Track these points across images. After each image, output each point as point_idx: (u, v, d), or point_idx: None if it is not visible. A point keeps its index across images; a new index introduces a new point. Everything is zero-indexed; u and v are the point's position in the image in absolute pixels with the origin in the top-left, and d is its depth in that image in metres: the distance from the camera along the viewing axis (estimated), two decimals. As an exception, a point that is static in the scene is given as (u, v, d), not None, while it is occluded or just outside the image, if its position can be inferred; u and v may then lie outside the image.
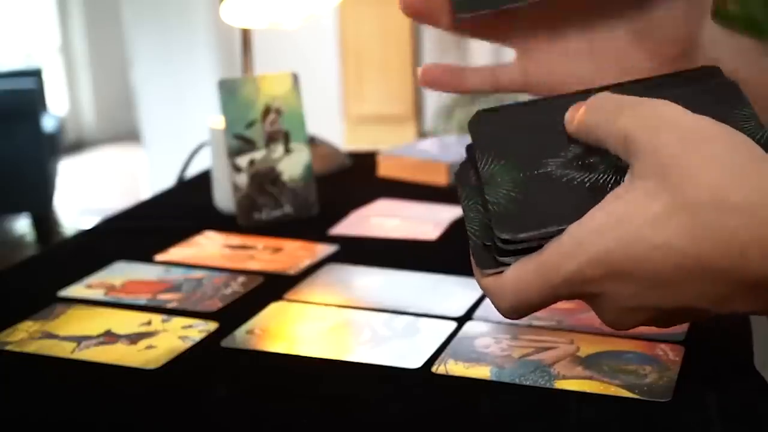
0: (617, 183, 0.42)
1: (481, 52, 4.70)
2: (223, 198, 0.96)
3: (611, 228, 0.39)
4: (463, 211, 0.49)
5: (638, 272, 0.40)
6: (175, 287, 0.74)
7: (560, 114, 0.46)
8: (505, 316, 0.46)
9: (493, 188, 0.46)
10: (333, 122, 3.99)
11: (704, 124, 0.39)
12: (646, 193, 0.39)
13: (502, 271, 0.45)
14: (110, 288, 0.75)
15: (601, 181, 0.43)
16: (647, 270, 0.39)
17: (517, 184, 0.45)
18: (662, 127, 0.39)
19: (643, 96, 0.42)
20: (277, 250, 0.84)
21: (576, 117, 0.44)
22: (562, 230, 0.42)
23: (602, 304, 0.43)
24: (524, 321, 0.64)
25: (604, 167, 0.44)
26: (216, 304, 0.70)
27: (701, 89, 0.45)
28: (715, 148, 0.38)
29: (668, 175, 0.38)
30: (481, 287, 0.46)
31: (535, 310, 0.45)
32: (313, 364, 0.60)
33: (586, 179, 0.44)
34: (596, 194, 0.42)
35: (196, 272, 0.78)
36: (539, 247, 0.43)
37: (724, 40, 0.48)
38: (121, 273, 0.78)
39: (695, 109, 0.41)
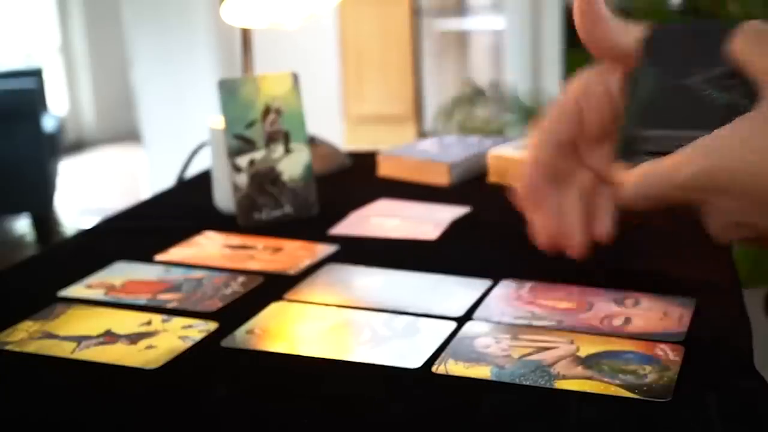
0: (748, 108, 0.46)
1: (482, 54, 4.70)
2: (223, 198, 0.96)
3: (726, 147, 0.44)
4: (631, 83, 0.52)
5: (744, 191, 0.44)
6: (175, 287, 0.74)
7: (722, 36, 0.49)
8: (627, 203, 0.49)
9: (637, 91, 0.50)
10: (333, 122, 3.98)
11: None
12: (765, 122, 0.43)
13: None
14: (110, 288, 0.75)
15: (735, 102, 0.47)
16: (751, 191, 0.43)
17: (661, 91, 0.49)
18: None
19: None
20: (277, 250, 0.84)
21: (737, 45, 0.48)
22: (689, 135, 0.46)
23: (710, 214, 0.46)
24: (524, 321, 0.64)
25: (743, 93, 0.47)
26: (216, 304, 0.70)
27: None
28: None
29: None
30: (613, 178, 0.50)
31: (652, 205, 0.48)
32: (313, 364, 0.60)
33: (723, 100, 0.48)
34: (727, 112, 0.46)
35: (196, 272, 0.78)
36: (665, 152, 0.47)
37: None
38: (121, 273, 0.78)
39: None
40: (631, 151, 0.49)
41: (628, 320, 0.63)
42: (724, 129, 0.44)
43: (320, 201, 0.95)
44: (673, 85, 0.49)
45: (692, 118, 0.48)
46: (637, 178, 0.48)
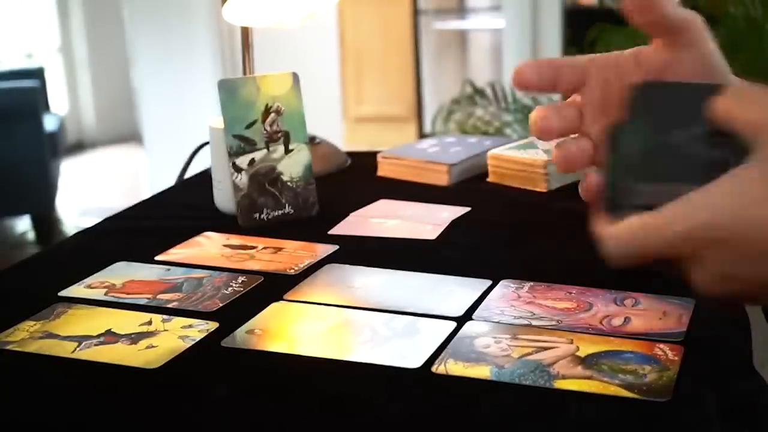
0: (737, 164, 0.46)
1: (481, 54, 4.70)
2: (223, 198, 0.96)
3: (723, 200, 0.44)
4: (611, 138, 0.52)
5: (738, 243, 0.44)
6: (175, 287, 0.75)
7: (703, 95, 0.49)
8: (616, 262, 0.49)
9: (618, 147, 0.50)
10: (333, 122, 3.98)
11: None
12: (761, 173, 0.43)
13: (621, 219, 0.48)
14: (110, 288, 0.75)
15: (722, 158, 0.47)
16: (747, 243, 0.44)
17: (642, 147, 0.49)
18: None
19: None
20: (277, 250, 0.84)
21: (721, 103, 0.48)
22: (677, 190, 0.46)
23: (701, 268, 0.46)
24: (524, 321, 0.64)
25: (729, 149, 0.47)
26: (216, 304, 0.70)
27: None
28: None
29: None
30: (600, 234, 0.49)
31: (641, 261, 0.48)
32: (314, 364, 0.60)
33: (703, 156, 0.48)
34: (715, 168, 0.46)
35: (196, 272, 0.78)
36: (652, 205, 0.47)
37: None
38: (121, 273, 0.78)
39: None
40: (616, 204, 0.49)
41: (627, 320, 0.63)
42: (718, 183, 0.45)
43: (320, 201, 0.95)
44: (659, 141, 0.49)
45: (679, 173, 0.48)
46: (625, 233, 0.47)
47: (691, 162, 0.48)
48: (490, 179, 1.07)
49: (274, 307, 0.70)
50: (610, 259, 0.49)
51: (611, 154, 0.50)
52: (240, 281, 0.75)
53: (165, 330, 0.66)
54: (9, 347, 0.64)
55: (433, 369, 0.58)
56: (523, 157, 1.03)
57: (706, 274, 0.46)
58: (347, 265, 0.79)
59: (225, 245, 0.86)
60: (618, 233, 0.48)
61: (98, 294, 0.73)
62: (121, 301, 0.72)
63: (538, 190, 1.01)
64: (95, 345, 0.64)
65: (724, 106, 0.48)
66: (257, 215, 0.92)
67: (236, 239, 0.87)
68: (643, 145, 0.49)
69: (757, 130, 0.45)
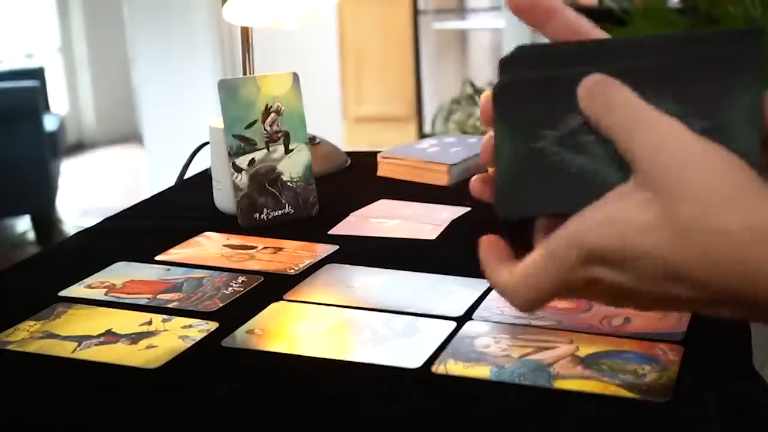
0: (607, 176, 0.45)
1: (481, 54, 4.70)
2: (223, 198, 0.96)
3: (606, 228, 0.43)
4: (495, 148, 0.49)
5: (628, 269, 0.43)
6: (175, 287, 0.75)
7: (582, 70, 0.46)
8: (521, 311, 0.48)
9: (498, 155, 0.47)
10: (333, 122, 3.98)
11: (701, 147, 0.43)
12: (641, 202, 0.43)
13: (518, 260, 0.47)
14: (111, 288, 0.75)
15: (590, 169, 0.45)
16: (635, 269, 0.43)
17: (514, 158, 0.47)
18: (664, 150, 0.43)
19: (660, 62, 0.45)
20: (277, 250, 0.84)
21: (589, 103, 0.46)
22: (559, 204, 0.45)
23: (598, 288, 0.46)
24: (524, 321, 0.64)
25: (596, 154, 0.45)
26: (216, 304, 0.70)
27: (716, 56, 0.45)
28: (707, 171, 0.42)
29: (663, 191, 0.42)
30: (494, 281, 0.48)
31: (547, 302, 0.47)
32: (314, 364, 0.60)
33: (576, 164, 0.45)
34: (586, 182, 0.45)
35: (196, 272, 0.78)
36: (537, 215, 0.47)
37: None
38: (121, 273, 0.78)
39: (702, 81, 0.44)
40: (509, 210, 0.47)
41: (627, 320, 0.63)
42: (598, 212, 0.43)
43: (320, 201, 0.95)
44: (526, 150, 0.46)
45: (550, 188, 0.46)
46: (522, 284, 0.46)
47: (561, 177, 0.45)
48: (490, 179, 1.07)
49: (274, 307, 0.70)
50: (519, 310, 0.48)
51: (495, 155, 0.48)
52: (240, 281, 0.75)
53: (165, 330, 0.66)
54: (9, 347, 0.64)
55: (433, 369, 0.58)
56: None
57: (607, 296, 0.46)
58: (347, 265, 0.79)
59: (225, 245, 0.86)
60: (516, 285, 0.46)
61: (98, 294, 0.73)
62: (121, 301, 0.72)
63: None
64: (95, 345, 0.64)
65: (587, 105, 0.45)
66: (257, 215, 0.92)
67: (236, 239, 0.87)
68: (512, 155, 0.47)
69: (633, 155, 0.43)
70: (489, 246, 0.50)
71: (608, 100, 0.45)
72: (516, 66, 0.48)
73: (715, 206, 0.41)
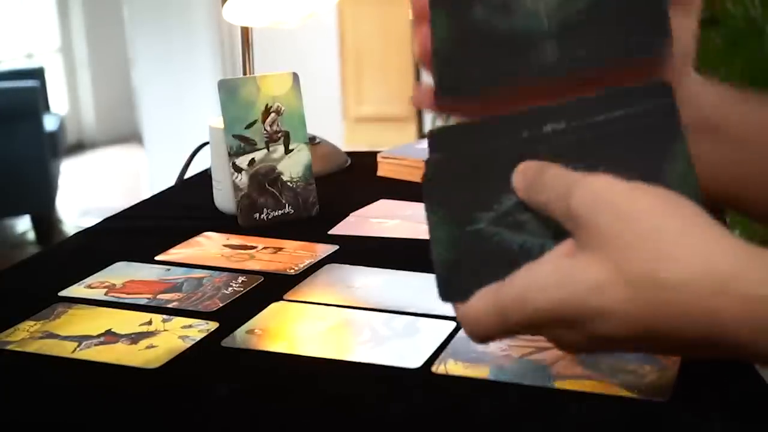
0: (544, 249, 0.44)
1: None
2: (223, 198, 0.96)
3: (555, 287, 0.42)
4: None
5: (583, 328, 0.42)
6: (175, 287, 0.75)
7: (508, 144, 0.46)
8: (475, 342, 0.47)
9: (434, 240, 0.46)
10: (333, 122, 3.98)
11: (639, 192, 0.42)
12: (588, 261, 0.41)
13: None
14: (111, 288, 0.75)
15: (529, 245, 0.45)
16: (591, 328, 0.42)
17: (452, 242, 0.46)
18: (601, 207, 0.42)
19: (584, 120, 0.45)
20: (277, 250, 0.84)
21: (524, 188, 0.45)
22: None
23: (556, 342, 0.45)
24: (524, 321, 0.64)
25: (535, 230, 0.45)
26: (216, 304, 0.70)
27: (642, 113, 0.45)
28: (651, 217, 0.41)
29: (608, 249, 0.41)
30: (457, 315, 0.47)
31: (500, 339, 0.47)
32: (314, 364, 0.60)
33: (516, 243, 0.45)
34: (531, 258, 0.44)
35: (196, 272, 0.78)
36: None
37: (705, 90, 0.50)
38: (121, 273, 0.78)
39: (628, 143, 0.44)
40: (453, 296, 0.46)
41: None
42: (546, 273, 0.42)
43: (320, 201, 0.95)
44: (463, 234, 0.45)
45: (493, 269, 0.44)
46: (476, 324, 0.45)
47: (500, 257, 0.44)
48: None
49: (274, 307, 0.70)
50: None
51: (432, 241, 0.47)
52: (240, 281, 0.75)
53: (165, 330, 0.66)
54: (9, 347, 0.64)
55: (433, 369, 0.58)
56: None
57: (565, 347, 0.45)
58: (347, 265, 0.79)
59: (225, 245, 0.86)
60: (468, 317, 0.45)
61: (98, 294, 0.73)
62: (121, 301, 0.72)
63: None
64: (95, 345, 0.64)
65: (523, 188, 0.45)
66: (257, 215, 0.92)
67: (236, 239, 0.87)
68: (450, 242, 0.46)
69: (572, 218, 0.42)
70: None
71: (540, 177, 0.44)
72: (444, 145, 0.47)
73: (666, 255, 0.40)
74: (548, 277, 0.42)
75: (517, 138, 0.45)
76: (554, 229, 0.44)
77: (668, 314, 0.40)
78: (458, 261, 0.45)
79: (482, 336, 0.46)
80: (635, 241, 0.40)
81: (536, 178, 0.44)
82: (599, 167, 0.44)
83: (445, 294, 0.46)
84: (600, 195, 0.42)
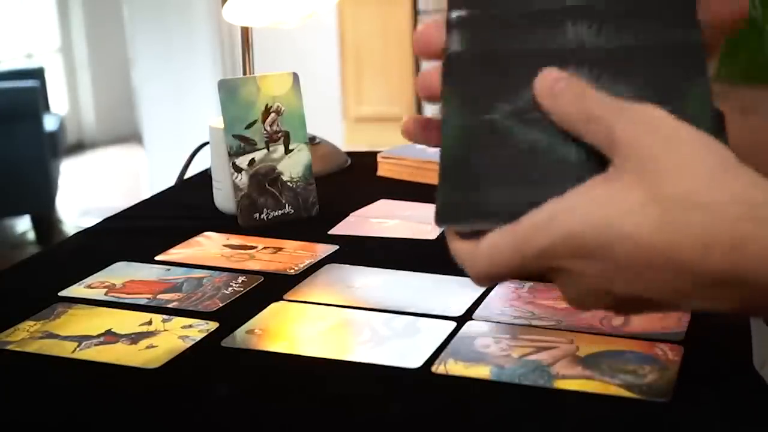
0: (563, 153, 0.43)
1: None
2: (223, 198, 0.96)
3: (585, 210, 0.41)
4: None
5: (605, 256, 0.41)
6: (175, 287, 0.75)
7: (538, 42, 0.45)
8: (476, 283, 0.47)
9: (444, 134, 0.45)
10: (333, 122, 3.98)
11: (685, 130, 0.42)
12: (623, 184, 0.41)
13: (478, 238, 0.45)
14: (110, 288, 0.75)
15: (544, 145, 0.43)
16: (613, 255, 0.41)
17: (463, 135, 0.44)
18: (647, 130, 0.42)
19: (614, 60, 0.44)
20: (277, 250, 0.84)
21: (554, 102, 0.44)
22: (524, 193, 0.43)
23: (567, 281, 0.44)
24: (524, 321, 0.64)
25: (552, 131, 0.44)
26: (216, 304, 0.70)
27: (669, 43, 0.45)
28: (691, 151, 0.41)
29: (646, 171, 0.41)
30: (453, 251, 0.47)
31: (506, 279, 0.46)
32: (313, 364, 0.60)
33: (529, 140, 0.44)
34: (540, 158, 0.43)
35: (196, 272, 0.78)
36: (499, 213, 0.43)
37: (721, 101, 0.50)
38: (121, 273, 0.78)
39: (657, 76, 0.43)
40: (456, 216, 0.44)
41: (627, 320, 0.63)
42: (579, 192, 0.42)
43: (320, 201, 0.95)
44: (477, 122, 0.44)
45: (502, 164, 0.43)
46: (480, 253, 0.44)
47: (511, 156, 0.43)
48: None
49: (274, 307, 0.70)
50: (472, 279, 0.46)
51: (443, 131, 0.45)
52: (240, 281, 0.75)
53: (165, 330, 0.66)
54: (9, 347, 0.64)
55: (433, 369, 0.58)
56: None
57: (574, 289, 0.44)
58: (347, 265, 0.79)
59: (225, 245, 0.86)
60: (476, 254, 0.44)
61: (98, 294, 0.73)
62: (121, 301, 0.72)
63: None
64: (95, 345, 0.64)
65: (558, 107, 0.43)
66: (257, 215, 0.92)
67: (236, 239, 0.87)
68: (463, 132, 0.44)
69: (612, 141, 0.42)
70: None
71: (582, 99, 0.43)
72: (468, 30, 0.45)
73: (702, 181, 0.40)
74: (579, 200, 0.42)
75: (546, 43, 0.44)
76: (567, 135, 0.43)
77: (695, 237, 0.39)
78: (468, 153, 0.44)
79: (489, 270, 0.44)
80: (673, 166, 0.40)
81: (567, 91, 0.43)
82: (625, 88, 0.43)
83: (443, 215, 0.44)
84: (647, 121, 0.42)
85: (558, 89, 0.44)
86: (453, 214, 0.45)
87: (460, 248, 0.46)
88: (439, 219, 0.45)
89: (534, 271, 0.44)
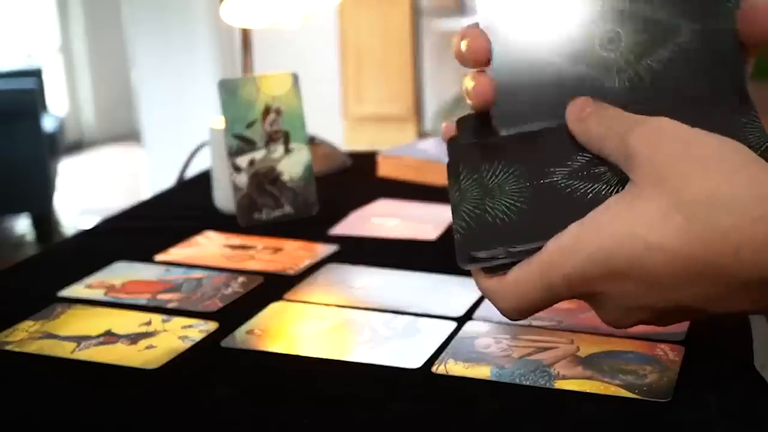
0: (617, 192, 0.44)
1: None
2: (223, 198, 0.96)
3: (608, 227, 0.41)
4: (455, 206, 0.49)
5: (634, 271, 0.41)
6: (175, 287, 0.74)
7: (558, 132, 0.46)
8: (509, 318, 0.47)
9: (497, 198, 0.46)
10: (333, 122, 3.98)
11: (701, 135, 0.42)
12: (643, 196, 0.41)
13: (504, 273, 0.45)
14: (110, 288, 0.75)
15: (603, 192, 0.44)
16: (643, 269, 0.41)
17: (522, 194, 0.46)
18: (662, 141, 0.41)
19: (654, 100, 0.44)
20: (277, 250, 0.84)
21: (582, 126, 0.45)
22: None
23: (602, 303, 0.44)
24: (524, 321, 0.64)
25: (608, 177, 0.45)
26: (216, 304, 0.70)
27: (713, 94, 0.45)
28: (707, 154, 0.40)
29: (665, 179, 0.40)
30: (481, 289, 0.47)
31: (538, 311, 0.46)
32: (314, 364, 0.60)
33: (589, 190, 0.45)
34: (596, 203, 0.44)
35: (196, 272, 0.78)
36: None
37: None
38: (121, 273, 0.78)
39: (703, 114, 0.43)
40: (478, 245, 0.46)
41: (628, 320, 0.63)
42: (600, 212, 0.42)
43: (320, 201, 0.95)
44: (536, 186, 0.45)
45: (562, 220, 0.44)
46: (510, 289, 0.45)
47: (570, 204, 0.44)
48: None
49: (274, 307, 0.70)
50: (504, 315, 0.46)
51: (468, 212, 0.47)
52: (240, 281, 0.75)
53: (165, 330, 0.66)
54: (8, 347, 0.63)
55: (433, 369, 0.58)
56: None
57: (610, 310, 0.44)
58: (347, 265, 0.78)
59: (225, 245, 0.86)
60: (504, 288, 0.45)
61: (98, 294, 0.73)
62: (120, 301, 0.72)
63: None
64: (95, 345, 0.63)
65: (584, 129, 0.45)
66: (257, 215, 0.92)
67: (236, 239, 0.87)
68: (517, 198, 0.46)
69: (628, 156, 0.42)
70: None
71: (597, 115, 0.44)
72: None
73: (721, 180, 0.39)
74: (601, 220, 0.41)
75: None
76: (621, 177, 0.44)
77: (724, 239, 0.39)
78: (525, 212, 0.45)
79: (518, 303, 0.44)
80: (690, 170, 0.40)
81: (593, 114, 0.44)
82: (660, 5, 0.44)
83: (466, 256, 0.46)
84: (660, 133, 0.42)
85: (586, 114, 0.44)
86: (475, 243, 0.46)
87: (488, 285, 0.46)
88: (462, 251, 0.46)
89: (565, 298, 0.44)
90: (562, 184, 0.45)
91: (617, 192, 0.44)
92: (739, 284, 0.40)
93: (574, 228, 0.42)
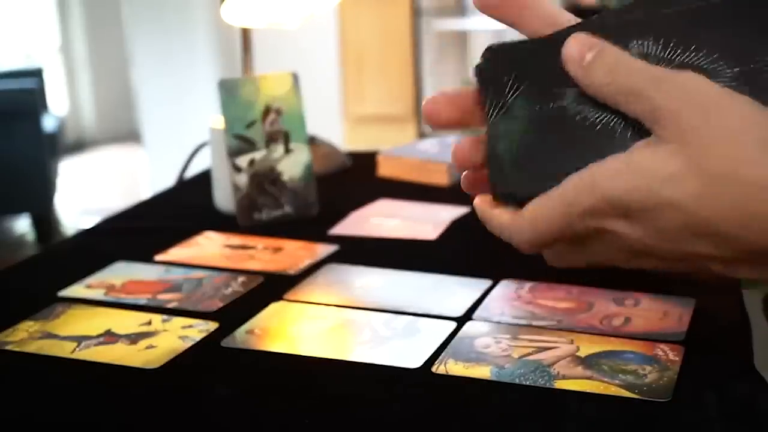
0: (628, 128, 0.44)
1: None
2: (223, 198, 0.96)
3: (628, 176, 0.42)
4: (489, 128, 0.48)
5: (647, 221, 0.42)
6: (175, 287, 0.74)
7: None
8: (523, 250, 0.48)
9: (510, 123, 0.46)
10: (333, 122, 3.98)
11: (726, 96, 0.41)
12: (665, 152, 0.41)
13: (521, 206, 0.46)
14: (110, 288, 0.75)
15: (612, 123, 0.44)
16: (656, 222, 0.42)
17: (531, 122, 0.46)
18: (688, 101, 0.41)
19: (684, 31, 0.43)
20: (277, 250, 0.84)
21: (585, 74, 0.44)
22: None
23: (612, 242, 0.45)
24: (524, 321, 0.64)
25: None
26: (216, 304, 0.70)
27: (745, 21, 0.44)
28: (734, 123, 0.40)
29: (688, 142, 0.40)
30: (494, 225, 0.47)
31: (550, 245, 0.47)
32: (314, 364, 0.60)
33: (598, 120, 0.44)
34: (608, 139, 0.44)
35: (196, 272, 0.78)
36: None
37: None
38: (121, 273, 0.78)
39: (731, 45, 0.43)
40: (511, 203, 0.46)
41: (628, 320, 0.63)
42: (620, 160, 0.42)
43: (320, 201, 0.95)
44: (546, 111, 0.45)
45: (573, 156, 0.44)
46: (528, 223, 0.45)
47: (581, 138, 0.44)
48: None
49: (274, 307, 0.70)
50: (518, 247, 0.47)
51: (493, 150, 0.47)
52: (240, 281, 0.75)
53: (165, 330, 0.66)
54: (8, 347, 0.63)
55: (433, 369, 0.58)
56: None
57: (619, 249, 0.44)
58: (347, 265, 0.78)
59: (225, 245, 0.86)
60: (521, 221, 0.45)
61: (98, 294, 0.73)
62: (120, 301, 0.72)
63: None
64: (95, 345, 0.63)
65: (599, 81, 0.43)
66: (257, 215, 0.92)
67: (236, 239, 0.87)
68: (529, 123, 0.45)
69: (653, 112, 0.42)
70: (484, 199, 0.49)
71: (607, 67, 0.43)
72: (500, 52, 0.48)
73: (747, 155, 0.39)
74: (621, 165, 0.42)
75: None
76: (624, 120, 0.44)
77: (736, 211, 0.40)
78: (533, 148, 0.45)
79: (534, 236, 0.45)
80: (718, 139, 0.40)
81: (610, 70, 0.43)
82: (696, 49, 0.43)
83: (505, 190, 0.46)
84: (687, 92, 0.41)
85: (588, 61, 0.44)
86: (504, 185, 0.46)
87: (503, 219, 0.46)
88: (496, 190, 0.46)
89: (579, 231, 0.45)
90: (573, 110, 0.45)
91: (626, 125, 0.44)
92: (751, 254, 0.41)
93: (593, 169, 0.43)
